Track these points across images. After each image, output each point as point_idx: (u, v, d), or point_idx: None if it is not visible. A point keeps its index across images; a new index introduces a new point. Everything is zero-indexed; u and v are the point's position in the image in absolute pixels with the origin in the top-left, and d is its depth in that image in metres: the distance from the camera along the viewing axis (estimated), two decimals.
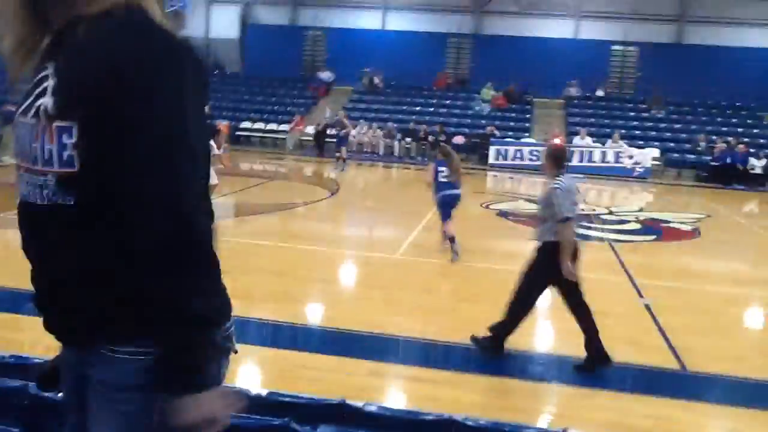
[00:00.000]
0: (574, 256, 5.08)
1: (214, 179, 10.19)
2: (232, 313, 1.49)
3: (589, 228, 11.52)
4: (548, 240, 5.08)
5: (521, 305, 5.22)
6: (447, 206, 8.57)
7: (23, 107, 1.37)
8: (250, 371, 4.94)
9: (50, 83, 1.32)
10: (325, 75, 26.20)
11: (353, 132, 21.93)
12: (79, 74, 1.29)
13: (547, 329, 6.34)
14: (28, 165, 1.36)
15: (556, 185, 5.04)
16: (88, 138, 1.28)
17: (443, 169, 8.60)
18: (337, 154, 18.51)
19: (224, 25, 29.14)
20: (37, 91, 1.34)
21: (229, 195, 13.32)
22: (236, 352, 1.50)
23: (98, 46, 1.29)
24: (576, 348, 5.48)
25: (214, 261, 1.38)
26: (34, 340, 4.42)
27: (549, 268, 5.04)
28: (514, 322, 5.20)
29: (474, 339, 5.31)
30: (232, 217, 11.42)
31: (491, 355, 5.23)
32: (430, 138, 21.33)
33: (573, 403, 4.70)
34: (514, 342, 5.45)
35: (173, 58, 1.32)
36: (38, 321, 1.47)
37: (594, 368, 5.08)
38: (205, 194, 1.42)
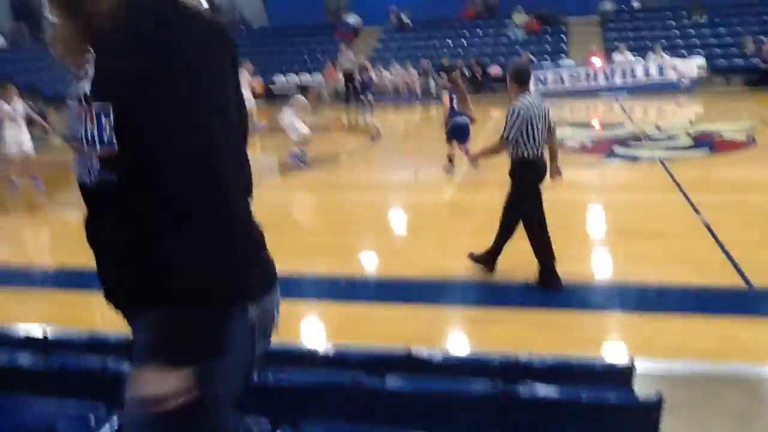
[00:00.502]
0: (540, 173, 5.32)
1: (304, 129, 10.92)
2: (276, 285, 1.54)
3: (638, 147, 11.24)
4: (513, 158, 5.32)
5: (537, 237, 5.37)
6: (460, 130, 9.52)
7: (72, 94, 1.43)
8: (311, 326, 5.04)
9: (89, 68, 1.38)
10: (351, 18, 25.73)
11: (388, 75, 21.63)
12: (112, 58, 1.34)
13: (605, 257, 6.27)
14: (78, 147, 1.42)
15: (513, 106, 5.20)
16: (123, 118, 1.34)
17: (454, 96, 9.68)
18: (363, 98, 18.55)
19: None
20: (82, 76, 1.40)
21: (272, 151, 13.38)
22: (276, 327, 1.54)
23: (128, 30, 1.33)
24: (634, 274, 5.43)
25: (249, 231, 1.42)
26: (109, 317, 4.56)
27: (521, 196, 5.34)
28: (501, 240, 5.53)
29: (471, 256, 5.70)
30: (278, 172, 11.48)
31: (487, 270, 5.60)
32: (465, 72, 20.91)
33: (636, 331, 4.66)
34: (571, 272, 5.42)
35: (198, 37, 1.37)
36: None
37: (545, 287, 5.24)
38: (241, 166, 1.44)
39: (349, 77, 21.51)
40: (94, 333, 3.67)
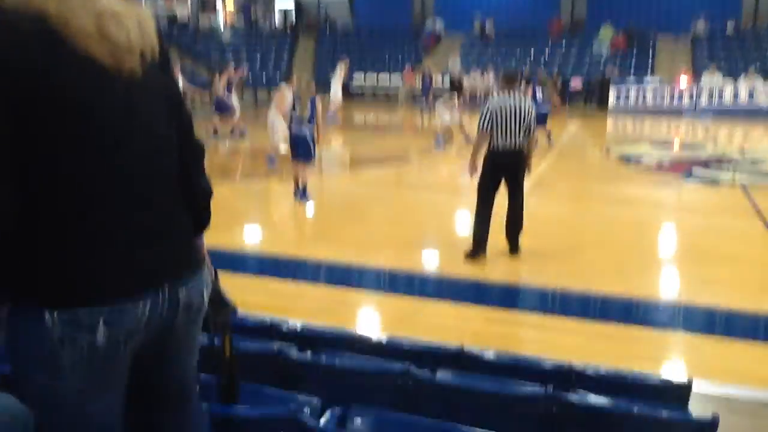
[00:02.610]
0: (503, 162, 5.99)
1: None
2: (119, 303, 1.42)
3: (719, 170, 10.86)
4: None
5: (476, 215, 6.14)
6: None
7: None
8: (369, 317, 5.10)
9: None
10: (435, 24, 25.77)
11: (465, 81, 21.58)
12: None
13: (674, 276, 6.10)
14: None
15: (485, 103, 6.13)
16: None
17: None
18: (425, 100, 19.02)
19: None
20: None
21: (344, 147, 13.57)
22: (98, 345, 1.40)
23: None
24: (702, 296, 5.27)
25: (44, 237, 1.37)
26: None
27: (482, 175, 6.11)
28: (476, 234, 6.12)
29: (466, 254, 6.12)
30: (349, 168, 11.64)
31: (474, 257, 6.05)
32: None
33: (699, 352, 4.51)
34: (637, 287, 5.31)
35: None
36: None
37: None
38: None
39: (456, 82, 21.53)
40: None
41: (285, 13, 31.02)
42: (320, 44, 26.56)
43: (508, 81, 6.09)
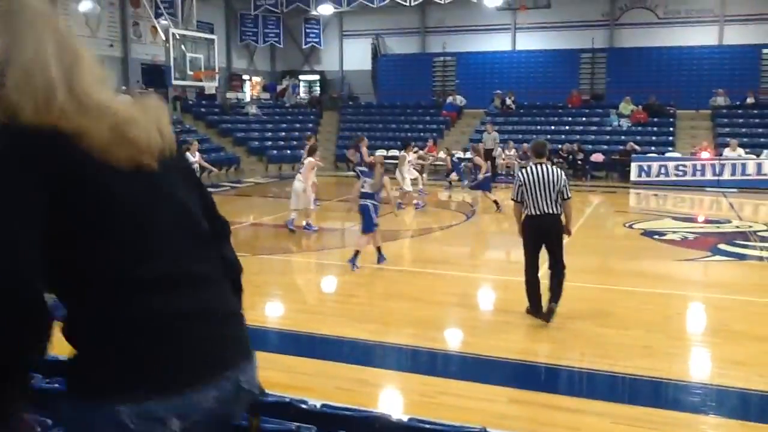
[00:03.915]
0: (537, 227, 6.51)
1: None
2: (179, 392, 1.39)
3: (745, 245, 10.72)
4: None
5: (525, 275, 6.65)
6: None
7: None
8: (390, 396, 5.00)
9: None
10: (456, 99, 26.26)
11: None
12: None
13: (702, 357, 5.95)
14: None
15: (519, 172, 6.81)
16: None
17: None
18: (449, 179, 19.05)
19: (357, 57, 30.11)
20: None
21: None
22: None
23: None
24: (733, 378, 5.12)
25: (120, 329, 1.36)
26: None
27: (524, 240, 6.64)
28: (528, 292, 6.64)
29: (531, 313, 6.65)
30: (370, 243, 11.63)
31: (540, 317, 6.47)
32: (568, 156, 20.78)
33: None
34: (664, 369, 5.18)
35: None
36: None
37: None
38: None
39: (488, 155, 21.70)
40: None
41: (310, 88, 31.87)
42: (343, 117, 27.14)
43: (538, 152, 6.73)
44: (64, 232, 1.33)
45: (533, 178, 6.43)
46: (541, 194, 6.40)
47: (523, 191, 6.48)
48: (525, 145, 21.81)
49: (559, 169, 6.61)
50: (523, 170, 6.66)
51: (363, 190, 8.99)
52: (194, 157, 13.29)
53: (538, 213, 6.43)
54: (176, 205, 1.51)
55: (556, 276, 6.52)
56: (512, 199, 6.68)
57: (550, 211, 6.42)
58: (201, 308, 1.47)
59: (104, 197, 1.37)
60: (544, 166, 6.53)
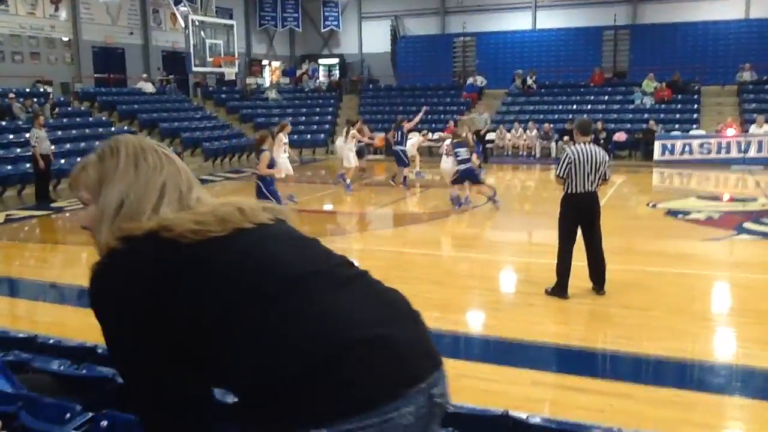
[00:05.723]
0: (580, 206, 6.58)
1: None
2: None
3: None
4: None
5: (559, 253, 6.67)
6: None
7: None
8: None
9: None
10: (477, 80, 26.05)
11: (508, 135, 21.63)
12: None
13: (728, 337, 5.89)
14: None
15: (565, 151, 6.74)
16: None
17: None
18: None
19: (376, 39, 30.00)
20: None
21: (387, 205, 13.62)
22: None
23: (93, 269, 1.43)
24: (759, 359, 5.07)
25: None
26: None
27: (562, 217, 6.70)
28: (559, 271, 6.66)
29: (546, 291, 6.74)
30: (391, 226, 11.67)
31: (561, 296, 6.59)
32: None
33: (760, 420, 4.32)
34: (690, 350, 5.14)
35: (100, 298, 1.39)
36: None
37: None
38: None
39: (481, 137, 21.57)
40: None
41: (329, 72, 31.81)
42: (363, 100, 27.07)
43: (584, 130, 6.76)
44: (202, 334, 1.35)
45: (582, 157, 6.48)
46: (587, 173, 6.49)
47: (571, 168, 6.50)
48: (546, 125, 21.66)
49: (603, 150, 6.73)
50: (573, 147, 6.65)
51: (459, 158, 11.77)
52: (285, 139, 12.95)
53: (581, 191, 6.52)
54: (297, 248, 1.58)
55: (598, 255, 6.66)
56: (557, 176, 6.66)
57: (592, 190, 6.56)
58: (380, 318, 1.43)
59: (222, 275, 1.40)
60: (591, 145, 6.62)
